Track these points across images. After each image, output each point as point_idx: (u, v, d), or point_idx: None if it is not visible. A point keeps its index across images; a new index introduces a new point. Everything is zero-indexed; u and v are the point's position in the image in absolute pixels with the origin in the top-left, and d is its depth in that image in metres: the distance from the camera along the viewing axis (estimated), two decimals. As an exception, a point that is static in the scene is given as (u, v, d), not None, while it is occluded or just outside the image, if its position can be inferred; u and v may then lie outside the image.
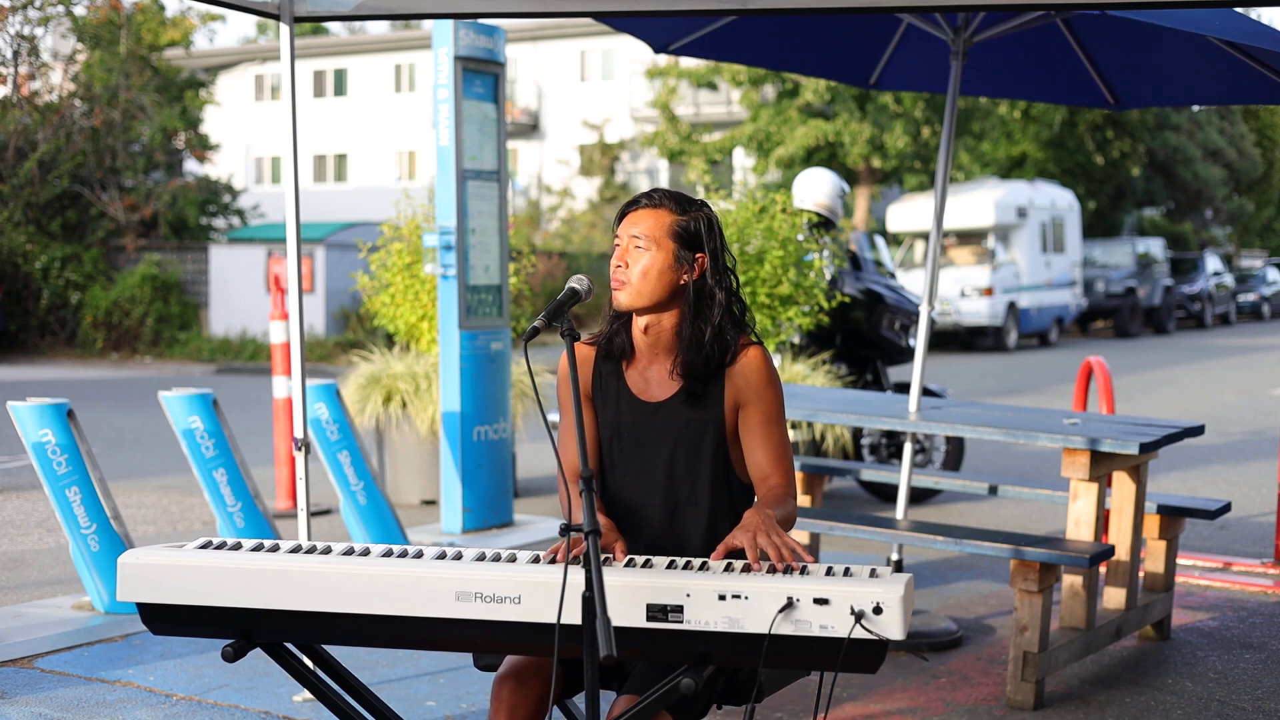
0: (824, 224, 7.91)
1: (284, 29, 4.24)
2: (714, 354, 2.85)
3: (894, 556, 5.47)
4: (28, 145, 22.68)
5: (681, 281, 2.85)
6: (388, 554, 2.64)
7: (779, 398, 2.89)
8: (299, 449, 4.33)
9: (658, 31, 5.82)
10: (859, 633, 2.36)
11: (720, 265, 2.88)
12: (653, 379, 2.90)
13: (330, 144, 39.76)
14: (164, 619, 2.65)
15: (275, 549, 2.68)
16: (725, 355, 2.86)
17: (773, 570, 2.51)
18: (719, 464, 2.88)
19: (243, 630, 2.64)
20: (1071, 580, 4.68)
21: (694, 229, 2.86)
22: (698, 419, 2.86)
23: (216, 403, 5.91)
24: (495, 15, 4.42)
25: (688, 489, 2.87)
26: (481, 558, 2.60)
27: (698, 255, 2.86)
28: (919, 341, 5.38)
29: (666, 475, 2.87)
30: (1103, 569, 5.44)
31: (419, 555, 2.62)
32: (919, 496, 8.16)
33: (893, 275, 9.56)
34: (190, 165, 28.23)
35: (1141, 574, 5.36)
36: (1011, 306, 23.98)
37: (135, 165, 23.49)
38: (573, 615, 2.38)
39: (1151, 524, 5.33)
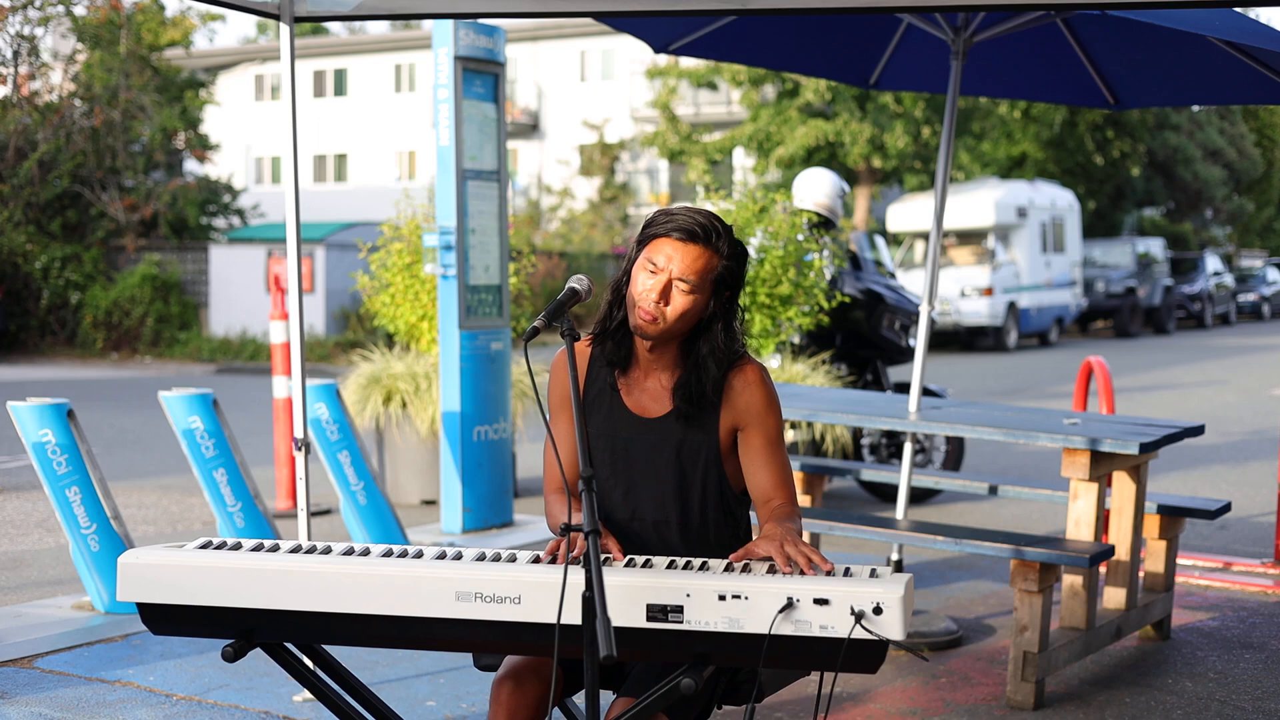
0: (824, 224, 7.91)
1: (284, 29, 4.24)
2: (714, 373, 2.79)
3: (894, 556, 5.47)
4: (28, 145, 22.69)
5: (705, 315, 2.80)
6: (388, 554, 2.64)
7: (779, 419, 2.84)
8: (299, 449, 4.33)
9: (658, 31, 5.82)
10: (859, 633, 2.35)
11: (736, 297, 2.82)
12: (649, 392, 2.84)
13: (330, 144, 39.78)
14: (164, 619, 2.65)
15: (275, 549, 2.68)
16: (723, 373, 2.81)
17: (772, 570, 2.51)
18: (712, 482, 2.83)
19: (243, 630, 2.63)
20: (1071, 580, 4.68)
21: (735, 272, 2.78)
22: (694, 440, 2.81)
23: (216, 403, 5.91)
24: (495, 15, 4.42)
25: (677, 508, 2.82)
26: (481, 558, 2.60)
27: (726, 293, 2.80)
28: (919, 341, 5.38)
29: (657, 493, 2.82)
30: (1103, 569, 5.44)
31: (419, 555, 2.62)
32: (919, 496, 8.16)
33: (893, 275, 9.55)
34: (190, 165, 28.25)
35: (1141, 574, 5.36)
36: (1011, 306, 23.98)
37: (135, 165, 23.49)
38: (573, 615, 2.38)
39: (1151, 524, 5.33)
